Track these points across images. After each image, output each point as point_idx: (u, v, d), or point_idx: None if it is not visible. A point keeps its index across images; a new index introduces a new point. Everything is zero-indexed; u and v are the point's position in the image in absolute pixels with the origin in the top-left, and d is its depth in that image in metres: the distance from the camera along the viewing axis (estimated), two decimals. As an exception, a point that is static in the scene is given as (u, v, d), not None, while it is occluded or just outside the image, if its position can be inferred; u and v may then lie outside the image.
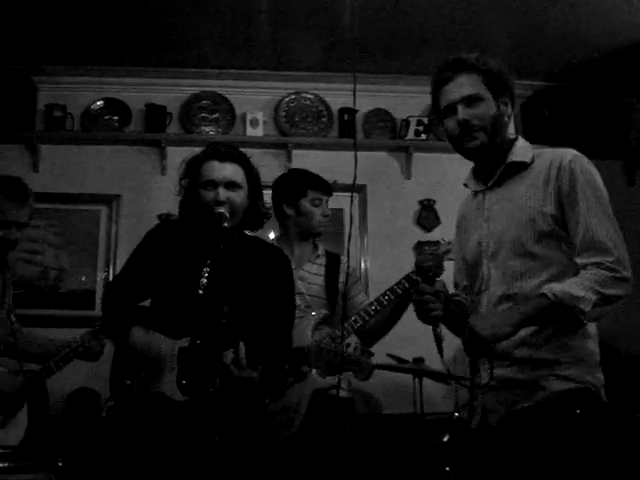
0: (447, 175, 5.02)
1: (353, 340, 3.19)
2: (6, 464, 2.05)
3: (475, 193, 2.36)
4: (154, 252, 2.70)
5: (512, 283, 2.15)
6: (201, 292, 2.56)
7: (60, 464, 2.17)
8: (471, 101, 2.20)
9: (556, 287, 2.00)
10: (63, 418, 4.43)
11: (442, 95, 2.27)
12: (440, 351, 2.17)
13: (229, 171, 2.65)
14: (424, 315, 2.18)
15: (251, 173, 2.73)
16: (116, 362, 2.62)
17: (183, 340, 2.51)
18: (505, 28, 4.62)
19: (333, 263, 3.43)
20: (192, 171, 2.71)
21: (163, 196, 4.87)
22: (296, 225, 3.41)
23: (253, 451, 2.50)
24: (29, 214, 3.12)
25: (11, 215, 3.02)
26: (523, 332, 2.06)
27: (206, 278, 2.58)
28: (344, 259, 3.46)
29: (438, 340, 2.17)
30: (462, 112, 2.20)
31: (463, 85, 2.22)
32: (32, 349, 3.22)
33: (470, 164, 2.37)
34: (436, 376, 3.94)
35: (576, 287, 1.98)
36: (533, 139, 2.30)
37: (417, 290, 2.20)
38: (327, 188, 3.47)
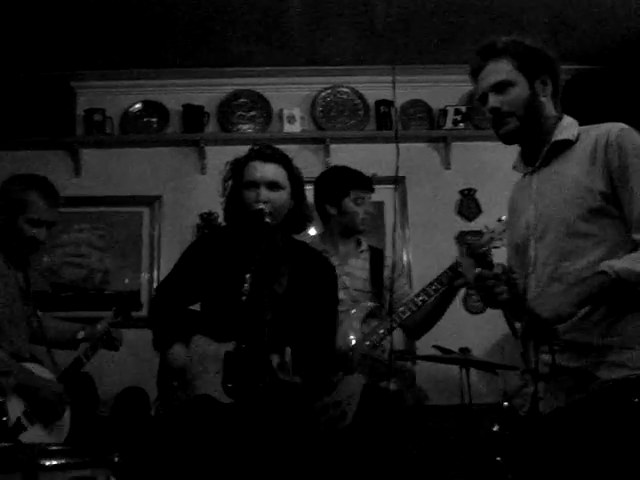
0: (487, 163, 4.97)
1: (387, 345, 3.19)
2: (64, 460, 2.09)
3: (524, 175, 2.33)
4: (201, 258, 2.75)
5: (560, 263, 2.09)
6: (244, 298, 2.59)
7: (116, 460, 2.21)
8: (500, 88, 2.19)
9: (616, 264, 1.93)
10: (113, 417, 4.49)
11: (478, 84, 2.27)
12: (515, 333, 2.12)
13: (271, 171, 2.67)
14: (491, 300, 2.12)
15: (293, 174, 2.75)
16: (163, 366, 2.64)
17: (229, 344, 2.52)
18: (543, 12, 4.54)
19: (377, 257, 3.44)
20: (235, 172, 2.75)
21: (204, 195, 4.92)
22: (340, 224, 3.42)
23: (301, 450, 2.50)
24: (56, 215, 3.12)
25: (44, 214, 3.02)
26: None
27: (249, 284, 2.60)
28: (387, 253, 3.48)
29: (511, 322, 2.13)
30: (492, 100, 2.20)
31: (491, 73, 2.21)
32: (58, 337, 3.31)
33: (510, 150, 2.34)
34: (484, 366, 3.91)
35: (637, 263, 1.92)
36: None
37: (478, 277, 2.13)
38: (369, 185, 3.46)
